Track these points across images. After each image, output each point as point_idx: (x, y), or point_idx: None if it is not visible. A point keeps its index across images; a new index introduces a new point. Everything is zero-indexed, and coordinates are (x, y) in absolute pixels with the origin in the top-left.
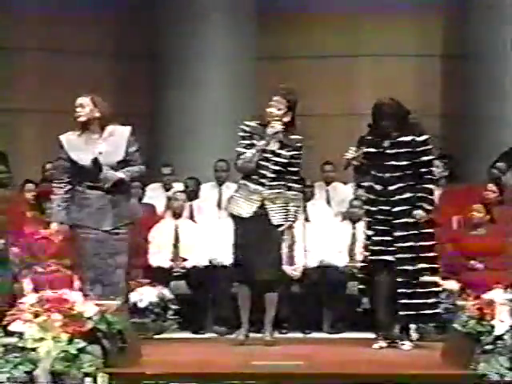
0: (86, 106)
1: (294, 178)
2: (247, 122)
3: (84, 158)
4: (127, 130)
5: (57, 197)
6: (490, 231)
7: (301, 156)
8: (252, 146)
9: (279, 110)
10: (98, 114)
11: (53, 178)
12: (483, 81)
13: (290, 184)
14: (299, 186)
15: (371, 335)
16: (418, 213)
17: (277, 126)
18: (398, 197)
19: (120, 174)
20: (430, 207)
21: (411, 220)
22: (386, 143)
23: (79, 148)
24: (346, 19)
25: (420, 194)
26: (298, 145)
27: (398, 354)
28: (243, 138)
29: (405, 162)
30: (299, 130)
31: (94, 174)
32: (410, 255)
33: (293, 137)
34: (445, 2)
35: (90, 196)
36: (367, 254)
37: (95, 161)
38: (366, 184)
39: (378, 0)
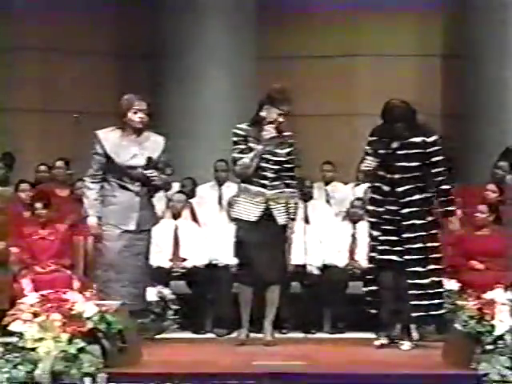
0: (145, 112)
1: (290, 174)
2: (239, 126)
3: (121, 156)
4: (162, 138)
5: (91, 192)
6: (494, 232)
7: (295, 152)
8: (248, 149)
9: (283, 114)
10: (148, 119)
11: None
12: (483, 81)
13: (287, 181)
14: (295, 182)
15: (371, 335)
16: (454, 220)
17: (272, 131)
18: (407, 198)
19: (159, 180)
20: (453, 208)
21: (419, 222)
22: (396, 144)
23: (117, 146)
24: (346, 19)
25: (442, 199)
26: (291, 141)
27: (398, 354)
28: (236, 142)
29: (415, 163)
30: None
31: (129, 173)
32: (419, 256)
33: (285, 133)
34: (445, 3)
35: (117, 194)
36: (373, 254)
37: (150, 159)
38: (374, 184)
39: (378, 0)
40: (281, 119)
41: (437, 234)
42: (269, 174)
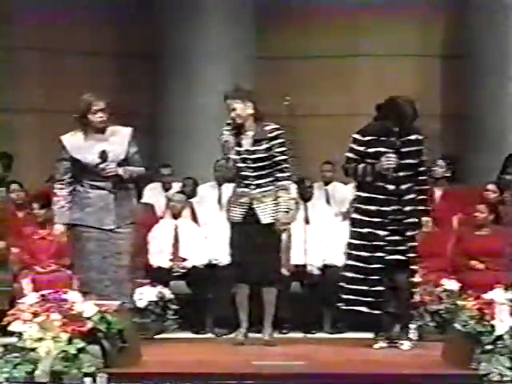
0: (106, 112)
1: (280, 167)
2: (222, 130)
3: (88, 157)
4: (129, 130)
5: (60, 198)
6: (494, 232)
7: (282, 144)
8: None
9: (236, 110)
10: (108, 117)
11: (53, 180)
12: (483, 81)
13: (277, 175)
14: (286, 174)
15: (371, 335)
16: (428, 220)
17: (225, 134)
18: (407, 196)
19: (120, 170)
20: (429, 208)
21: (417, 220)
22: (397, 142)
23: (82, 147)
24: (345, 19)
25: (422, 197)
26: (274, 134)
27: (398, 354)
28: (221, 148)
29: (415, 161)
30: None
31: (98, 172)
32: (416, 254)
33: (267, 128)
34: (445, 3)
35: (91, 195)
36: (381, 254)
37: (103, 153)
38: (378, 184)
39: (378, 0)
40: (232, 114)
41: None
42: (249, 174)
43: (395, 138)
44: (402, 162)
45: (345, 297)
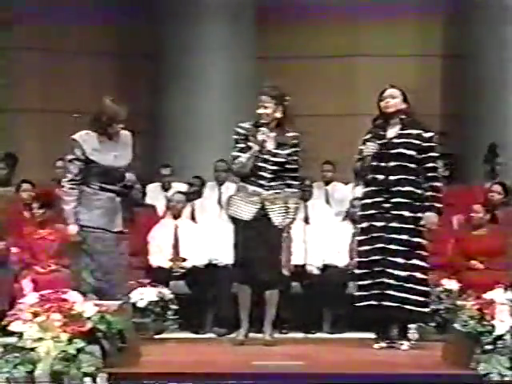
0: (122, 117)
1: (292, 175)
2: (241, 124)
3: (105, 159)
4: (130, 134)
5: (72, 198)
6: (491, 232)
7: (298, 153)
8: (247, 148)
9: (267, 108)
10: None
11: (64, 180)
12: (483, 81)
13: (288, 181)
14: (297, 182)
15: (371, 335)
16: (430, 216)
17: (265, 131)
18: (397, 188)
19: (133, 177)
20: (441, 206)
21: (408, 214)
22: (391, 133)
23: (98, 149)
24: (345, 19)
25: (430, 193)
26: (295, 142)
27: (398, 354)
28: (237, 141)
29: (411, 152)
30: (296, 128)
31: (110, 175)
32: (403, 248)
33: (289, 134)
34: (445, 2)
35: (101, 197)
36: (381, 245)
37: (122, 173)
38: (368, 178)
39: (378, 0)
40: (260, 111)
41: (424, 231)
42: (266, 175)
43: (390, 130)
44: (394, 151)
45: (357, 294)
